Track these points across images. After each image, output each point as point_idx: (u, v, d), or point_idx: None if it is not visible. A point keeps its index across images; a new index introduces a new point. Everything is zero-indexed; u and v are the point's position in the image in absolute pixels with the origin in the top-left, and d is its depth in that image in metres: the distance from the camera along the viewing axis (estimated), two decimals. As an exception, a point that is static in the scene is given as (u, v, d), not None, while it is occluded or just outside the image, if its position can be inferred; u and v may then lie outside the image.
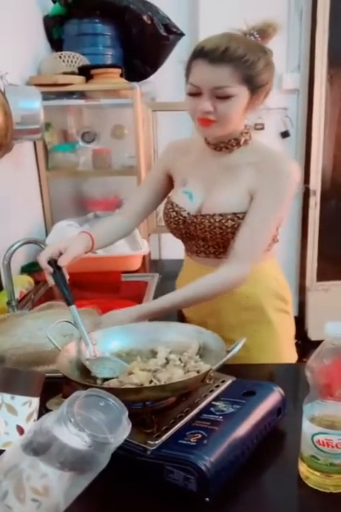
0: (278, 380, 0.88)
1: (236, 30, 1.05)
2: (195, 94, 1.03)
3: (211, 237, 1.12)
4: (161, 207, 1.27)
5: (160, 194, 1.24)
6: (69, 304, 0.93)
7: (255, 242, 1.07)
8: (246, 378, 0.89)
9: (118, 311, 1.05)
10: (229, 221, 1.08)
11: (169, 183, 1.23)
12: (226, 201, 1.10)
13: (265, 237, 1.09)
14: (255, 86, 1.03)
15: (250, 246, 1.06)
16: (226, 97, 1.01)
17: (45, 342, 0.91)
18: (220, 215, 1.09)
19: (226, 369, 0.84)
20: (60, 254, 1.00)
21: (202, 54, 1.00)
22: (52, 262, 0.99)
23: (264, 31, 1.04)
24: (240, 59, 0.99)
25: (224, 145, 1.11)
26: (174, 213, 1.16)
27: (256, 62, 1.01)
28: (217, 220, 1.09)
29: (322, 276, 2.91)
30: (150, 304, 1.12)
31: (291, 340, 1.26)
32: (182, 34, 2.12)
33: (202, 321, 1.13)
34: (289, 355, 1.23)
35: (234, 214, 1.08)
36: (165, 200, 1.22)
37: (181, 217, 1.15)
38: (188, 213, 1.14)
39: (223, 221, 1.09)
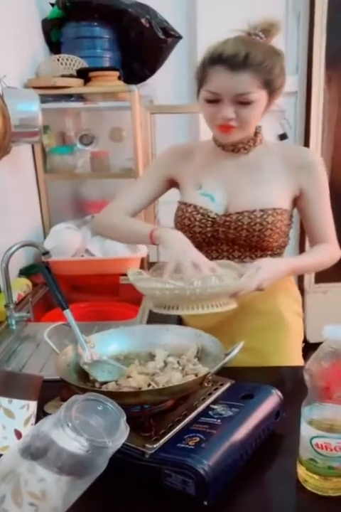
0: (276, 382, 0.88)
1: (239, 30, 1.06)
2: (214, 101, 1.03)
3: (246, 236, 1.10)
4: (160, 209, 1.26)
5: (154, 197, 1.23)
6: (63, 308, 0.92)
7: (333, 228, 1.16)
8: (245, 381, 0.89)
9: (272, 260, 1.09)
10: (270, 217, 1.09)
11: (166, 188, 1.23)
12: (263, 198, 1.10)
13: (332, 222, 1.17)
14: (273, 89, 1.05)
15: (332, 231, 1.16)
16: (247, 103, 1.01)
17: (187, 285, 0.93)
18: (261, 210, 1.09)
19: (224, 372, 0.83)
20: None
21: (220, 61, 1.00)
22: (44, 266, 0.98)
23: (268, 31, 1.05)
24: (260, 64, 1.00)
25: (243, 146, 1.12)
26: (199, 216, 1.12)
27: (274, 66, 1.02)
28: (259, 215, 1.08)
29: (320, 278, 2.90)
30: (294, 259, 1.17)
31: (301, 343, 1.24)
32: (180, 37, 2.12)
33: (214, 328, 1.02)
34: (299, 359, 1.21)
35: (274, 209, 1.09)
36: (182, 204, 1.16)
37: (209, 219, 1.12)
38: (216, 214, 1.12)
39: (264, 216, 1.08)
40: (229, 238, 1.12)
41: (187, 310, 0.95)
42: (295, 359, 1.18)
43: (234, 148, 1.13)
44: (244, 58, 0.98)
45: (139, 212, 1.25)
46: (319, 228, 1.15)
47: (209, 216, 1.12)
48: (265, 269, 1.01)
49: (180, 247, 1.01)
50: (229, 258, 1.14)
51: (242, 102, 1.01)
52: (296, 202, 1.15)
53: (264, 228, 1.09)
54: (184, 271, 0.96)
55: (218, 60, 1.00)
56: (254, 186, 1.11)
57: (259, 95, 1.02)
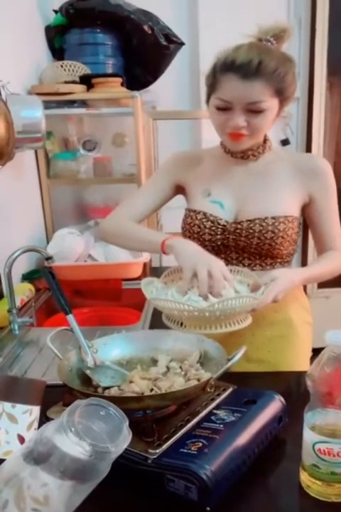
0: (278, 388, 0.87)
1: (250, 36, 1.04)
2: (225, 108, 1.01)
3: (257, 244, 1.09)
4: (163, 214, 1.24)
5: (160, 203, 1.20)
6: (66, 313, 0.92)
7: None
8: (247, 387, 0.89)
9: (287, 271, 1.09)
10: (282, 224, 1.08)
11: (173, 195, 1.21)
12: (274, 205, 1.09)
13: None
14: (285, 97, 1.03)
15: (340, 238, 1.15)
16: (259, 112, 1.00)
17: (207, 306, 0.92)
18: (273, 218, 1.08)
19: (227, 377, 0.83)
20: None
21: (233, 68, 0.98)
22: (48, 270, 0.98)
23: (281, 37, 1.04)
24: (273, 73, 0.98)
25: (252, 153, 1.11)
26: (209, 223, 1.10)
27: (287, 73, 1.01)
28: (270, 223, 1.07)
29: (322, 283, 2.89)
30: (307, 269, 1.17)
31: (310, 352, 1.22)
32: (182, 43, 2.14)
33: (225, 340, 0.99)
34: (307, 367, 1.19)
35: (285, 217, 1.08)
36: (191, 212, 1.14)
37: (219, 227, 1.10)
38: (226, 221, 1.10)
39: (276, 224, 1.07)
40: (239, 246, 1.11)
41: (204, 329, 0.94)
42: (304, 368, 1.17)
43: (243, 155, 1.11)
44: (257, 66, 0.97)
45: (145, 218, 1.22)
46: (327, 235, 1.14)
47: (219, 223, 1.10)
48: (281, 280, 1.00)
49: (194, 254, 0.98)
50: (238, 267, 1.12)
51: (254, 110, 1.00)
52: (305, 209, 1.14)
53: (276, 236, 1.08)
54: (199, 280, 0.94)
55: (230, 67, 0.98)
56: (265, 193, 1.10)
57: (271, 103, 1.01)
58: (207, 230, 1.11)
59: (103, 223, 1.23)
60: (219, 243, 1.12)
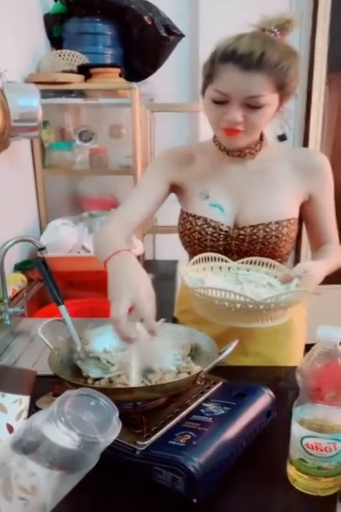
0: (268, 382, 0.88)
1: (254, 25, 0.99)
2: (222, 102, 0.95)
3: (260, 249, 1.07)
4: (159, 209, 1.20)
5: (158, 204, 1.12)
6: (59, 304, 0.92)
7: (336, 229, 1.14)
8: (239, 380, 0.89)
9: (315, 263, 1.04)
10: (285, 228, 1.06)
11: (168, 192, 1.14)
12: (276, 208, 1.06)
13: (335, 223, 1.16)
14: (286, 93, 0.99)
15: (336, 232, 1.14)
16: (258, 107, 0.94)
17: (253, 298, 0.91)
18: (276, 223, 1.05)
19: (217, 371, 0.84)
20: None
21: (233, 59, 0.91)
22: (41, 261, 0.96)
23: (285, 28, 0.99)
24: (276, 66, 0.93)
25: (249, 150, 1.06)
26: (211, 229, 1.07)
27: (290, 68, 0.96)
28: (274, 228, 1.05)
29: (316, 280, 2.91)
30: (326, 261, 1.06)
31: (304, 346, 1.22)
32: (182, 35, 2.13)
33: (226, 334, 0.99)
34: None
35: (288, 220, 1.06)
36: (190, 216, 1.10)
37: (222, 233, 1.07)
38: (228, 227, 1.07)
39: (280, 228, 1.05)
40: (242, 251, 1.09)
41: (246, 323, 0.94)
42: (298, 362, 1.17)
43: (241, 153, 1.06)
44: (259, 58, 0.91)
45: (142, 223, 1.11)
46: (324, 231, 1.13)
47: (221, 229, 1.07)
48: (314, 271, 0.99)
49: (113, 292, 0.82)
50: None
51: (252, 105, 0.94)
52: (302, 206, 1.12)
53: (279, 240, 1.06)
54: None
55: (231, 57, 0.92)
56: (264, 194, 1.07)
57: (271, 99, 0.95)
58: (208, 237, 1.07)
59: (96, 233, 1.11)
60: (221, 249, 1.09)
